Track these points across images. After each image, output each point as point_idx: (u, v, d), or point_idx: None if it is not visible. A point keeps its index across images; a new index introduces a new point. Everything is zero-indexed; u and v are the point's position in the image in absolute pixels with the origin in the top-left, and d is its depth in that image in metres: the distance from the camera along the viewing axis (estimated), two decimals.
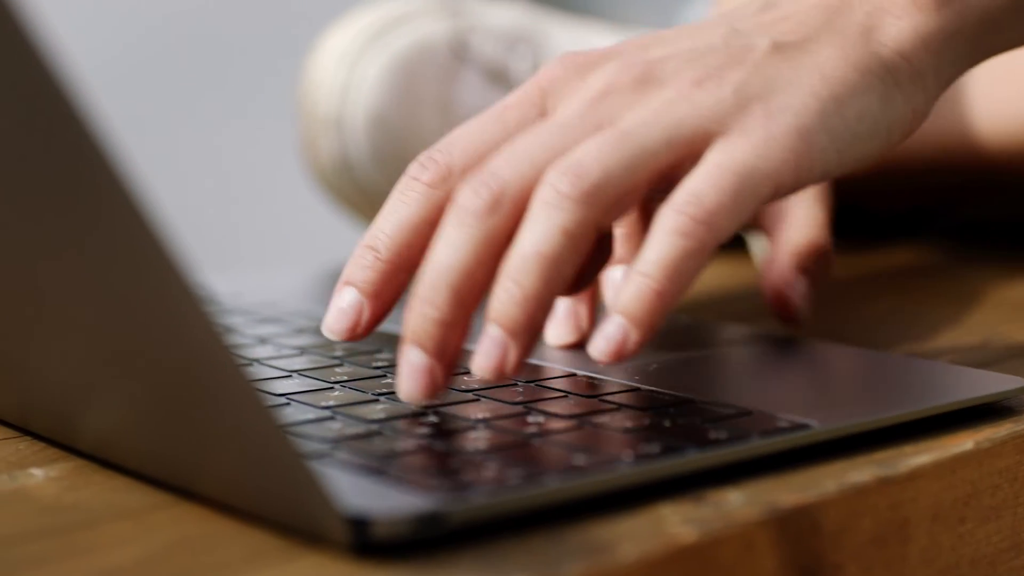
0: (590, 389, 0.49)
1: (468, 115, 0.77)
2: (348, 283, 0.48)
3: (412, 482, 0.39)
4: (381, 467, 0.40)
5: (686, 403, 0.47)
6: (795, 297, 0.60)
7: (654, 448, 0.42)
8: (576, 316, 0.56)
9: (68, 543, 0.39)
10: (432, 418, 0.45)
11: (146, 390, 0.41)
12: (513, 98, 0.49)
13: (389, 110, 0.76)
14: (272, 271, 0.78)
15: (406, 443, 0.43)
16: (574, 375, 0.51)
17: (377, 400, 0.47)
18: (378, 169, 0.77)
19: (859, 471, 0.44)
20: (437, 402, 0.46)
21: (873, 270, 0.80)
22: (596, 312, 0.56)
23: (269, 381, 0.50)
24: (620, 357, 0.44)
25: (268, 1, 1.54)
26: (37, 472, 0.44)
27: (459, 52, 0.78)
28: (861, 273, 0.79)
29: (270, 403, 0.36)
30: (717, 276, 0.74)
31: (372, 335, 0.48)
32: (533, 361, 0.53)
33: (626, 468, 0.41)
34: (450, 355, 0.45)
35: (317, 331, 0.59)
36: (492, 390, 0.48)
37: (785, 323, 0.60)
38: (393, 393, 0.47)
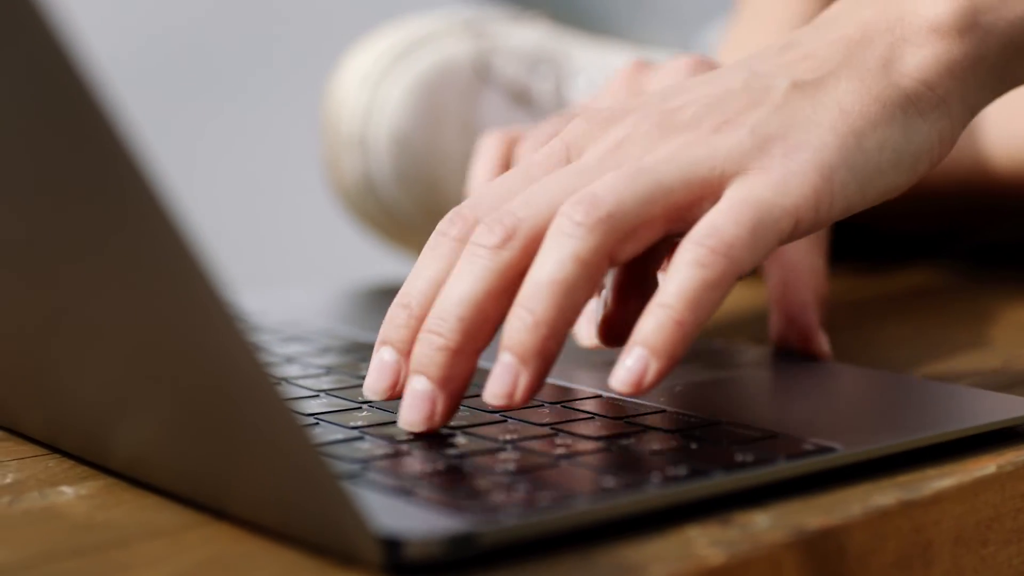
0: (617, 411, 0.49)
1: None
2: (384, 343, 0.47)
3: (443, 503, 0.40)
4: (412, 488, 0.41)
5: (712, 425, 0.47)
6: (820, 350, 0.60)
7: (682, 470, 0.43)
8: None
9: (101, 562, 0.39)
10: (460, 439, 0.46)
11: (178, 408, 0.41)
12: (540, 155, 0.50)
13: (412, 130, 0.77)
14: (295, 290, 0.79)
15: (435, 464, 0.43)
16: (600, 396, 0.51)
17: None
18: (401, 189, 0.77)
19: (883, 494, 0.44)
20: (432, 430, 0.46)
21: (890, 292, 0.80)
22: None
23: (297, 401, 0.51)
24: (640, 388, 0.44)
25: (295, 20, 1.55)
26: (67, 490, 0.45)
27: (482, 73, 0.79)
28: (879, 295, 0.79)
29: (303, 422, 0.37)
30: (740, 298, 0.74)
31: None
32: (559, 382, 0.53)
33: (654, 490, 0.41)
34: (455, 385, 0.46)
35: (343, 350, 0.59)
36: (519, 411, 0.49)
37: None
38: None
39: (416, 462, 0.43)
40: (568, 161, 0.49)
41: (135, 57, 1.49)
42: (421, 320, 0.47)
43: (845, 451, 0.45)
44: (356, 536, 0.37)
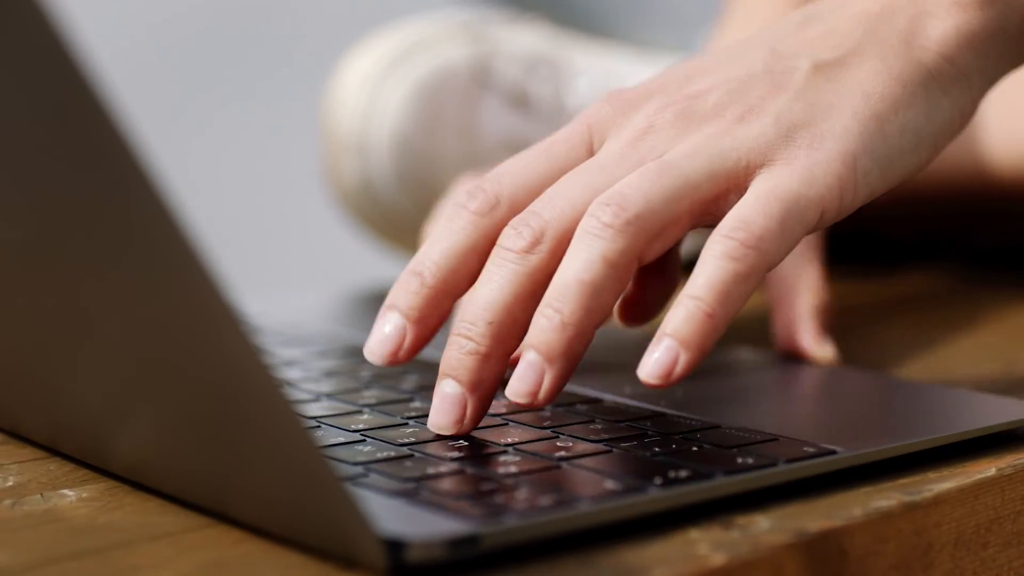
0: (617, 414, 0.49)
1: (490, 139, 0.78)
2: (392, 308, 0.48)
3: (445, 505, 0.40)
4: (414, 490, 0.41)
5: (713, 429, 0.47)
6: (824, 359, 0.60)
7: (683, 473, 0.43)
8: None
9: (102, 564, 0.39)
10: (461, 442, 0.46)
11: (182, 411, 0.41)
12: (562, 133, 0.50)
13: (412, 134, 0.77)
14: (295, 293, 0.79)
15: (437, 467, 0.43)
16: (600, 400, 0.51)
17: (406, 424, 0.48)
18: (400, 192, 0.77)
19: (884, 497, 0.44)
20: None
21: (890, 296, 0.80)
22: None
23: (298, 404, 0.51)
24: (670, 380, 0.44)
25: (294, 23, 1.55)
26: (69, 493, 0.45)
27: (481, 77, 0.79)
28: (878, 299, 0.79)
29: (307, 425, 0.37)
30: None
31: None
32: None
33: (656, 493, 0.41)
34: (484, 389, 0.46)
35: (342, 353, 0.59)
36: (519, 414, 0.49)
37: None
38: (421, 417, 0.48)
39: (417, 465, 0.43)
40: (590, 143, 0.49)
41: (135, 57, 1.49)
42: (432, 290, 0.47)
43: (846, 454, 0.45)
44: (359, 538, 0.37)
